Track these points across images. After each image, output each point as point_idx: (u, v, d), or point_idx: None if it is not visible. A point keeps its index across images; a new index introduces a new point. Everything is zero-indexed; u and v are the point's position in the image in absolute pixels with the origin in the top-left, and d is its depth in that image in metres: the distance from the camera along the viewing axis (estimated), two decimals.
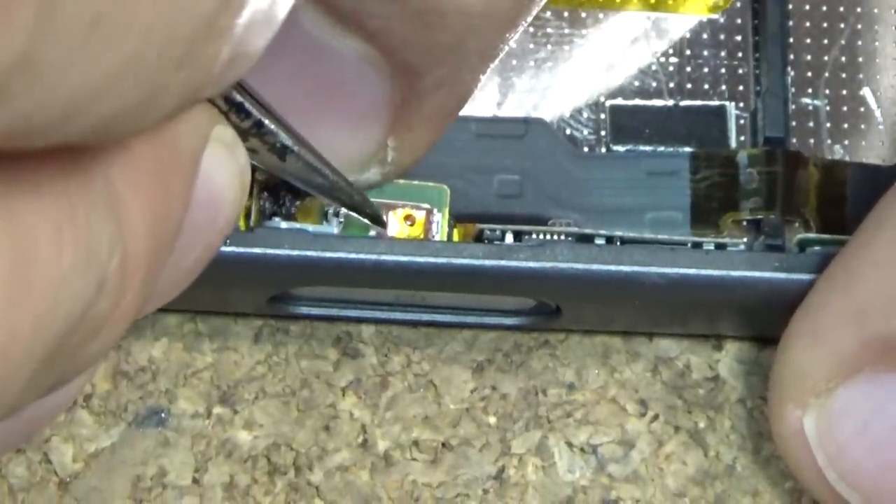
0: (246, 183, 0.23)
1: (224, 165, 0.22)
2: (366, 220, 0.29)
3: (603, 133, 0.32)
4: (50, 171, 0.17)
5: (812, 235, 0.30)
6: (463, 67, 0.26)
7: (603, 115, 0.32)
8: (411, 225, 0.30)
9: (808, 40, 0.32)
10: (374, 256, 0.29)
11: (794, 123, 0.32)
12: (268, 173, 0.28)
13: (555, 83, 0.32)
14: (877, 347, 0.28)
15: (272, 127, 0.24)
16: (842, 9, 0.32)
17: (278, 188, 0.30)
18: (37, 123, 0.16)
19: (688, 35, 0.32)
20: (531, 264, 0.29)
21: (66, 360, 0.19)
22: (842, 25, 0.32)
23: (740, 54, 0.32)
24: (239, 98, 0.23)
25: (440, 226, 0.30)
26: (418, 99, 0.27)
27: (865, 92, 0.32)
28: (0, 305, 0.17)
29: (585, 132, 0.32)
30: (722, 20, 0.32)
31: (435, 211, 0.30)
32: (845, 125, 0.32)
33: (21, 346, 0.17)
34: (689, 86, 0.32)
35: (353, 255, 0.29)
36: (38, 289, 0.17)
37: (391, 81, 0.26)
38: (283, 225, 0.29)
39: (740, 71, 0.32)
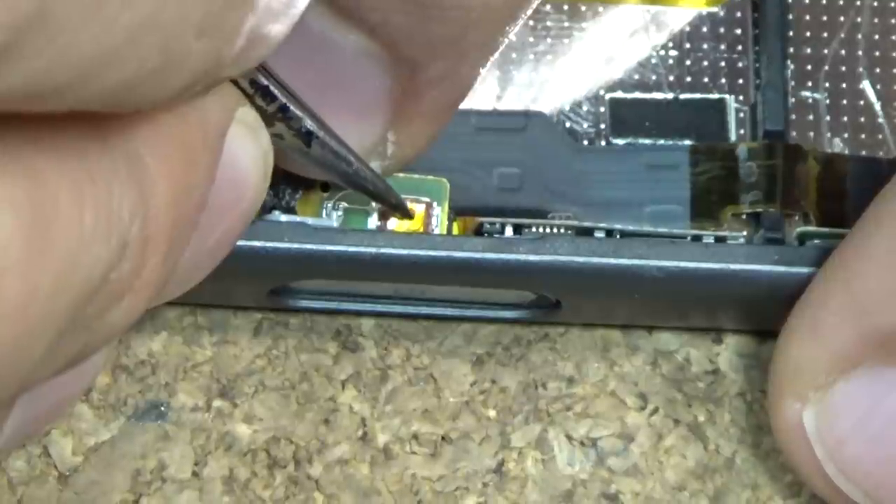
0: (269, 166, 0.23)
1: (248, 147, 0.22)
2: (393, 210, 0.29)
3: (603, 126, 0.32)
4: (72, 135, 0.17)
5: (812, 229, 0.30)
6: (463, 61, 0.26)
7: (603, 109, 0.32)
8: (411, 218, 0.30)
9: (808, 33, 0.32)
10: (373, 250, 0.29)
11: (793, 117, 0.32)
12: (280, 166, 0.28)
13: (554, 76, 0.32)
14: (876, 341, 0.28)
15: (297, 112, 0.24)
16: (841, 2, 0.32)
17: (278, 182, 0.30)
18: (52, 84, 0.16)
19: (687, 28, 0.32)
20: (531, 258, 0.29)
21: (87, 328, 0.19)
22: (841, 18, 0.32)
23: (740, 47, 0.32)
24: (265, 81, 0.23)
25: (440, 219, 0.30)
26: (419, 92, 0.27)
27: (865, 85, 0.32)
28: (20, 262, 0.17)
29: (585, 125, 0.32)
30: (721, 13, 0.32)
31: (434, 204, 0.30)
32: (845, 118, 0.32)
33: (41, 303, 0.17)
34: (688, 79, 0.32)
35: (352, 249, 0.29)
36: (57, 246, 0.17)
37: (392, 75, 0.26)
38: (283, 218, 0.29)
39: (740, 64, 0.32)
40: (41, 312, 0.17)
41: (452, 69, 0.26)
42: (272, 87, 0.23)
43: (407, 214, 0.30)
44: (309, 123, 0.25)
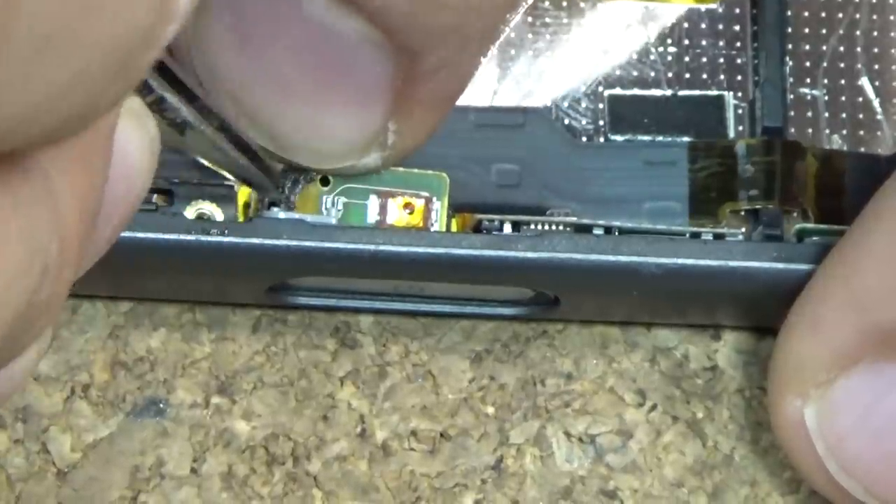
0: (156, 152, 0.23)
1: (135, 137, 0.22)
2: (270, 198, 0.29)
3: (601, 123, 0.32)
4: None
5: (810, 225, 0.30)
6: (463, 49, 0.26)
7: (601, 105, 0.32)
8: (410, 213, 0.30)
9: (807, 30, 0.32)
10: (372, 246, 0.29)
11: (792, 113, 0.32)
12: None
13: (553, 73, 0.32)
14: (876, 338, 0.28)
15: (173, 102, 0.24)
16: None
17: (279, 176, 0.30)
18: None
19: (686, 24, 0.32)
20: (529, 255, 0.29)
21: (11, 345, 0.19)
22: (840, 15, 0.32)
23: (739, 44, 0.32)
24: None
25: (439, 214, 0.30)
26: (419, 81, 0.27)
27: (863, 82, 0.32)
28: None
29: (584, 122, 0.32)
30: (720, 9, 0.32)
31: (434, 199, 0.30)
32: (843, 115, 0.32)
33: None
34: (687, 75, 0.32)
35: (351, 245, 0.29)
36: None
37: (392, 62, 0.26)
38: (282, 215, 0.29)
39: (739, 60, 0.32)
40: None
41: (453, 58, 0.26)
42: (150, 81, 0.23)
43: (277, 195, 0.29)
44: (186, 113, 0.25)
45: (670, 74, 0.32)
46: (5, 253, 0.17)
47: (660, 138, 0.32)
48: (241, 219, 0.29)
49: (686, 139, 0.32)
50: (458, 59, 0.26)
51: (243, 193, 0.30)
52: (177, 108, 0.24)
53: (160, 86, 0.23)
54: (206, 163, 0.27)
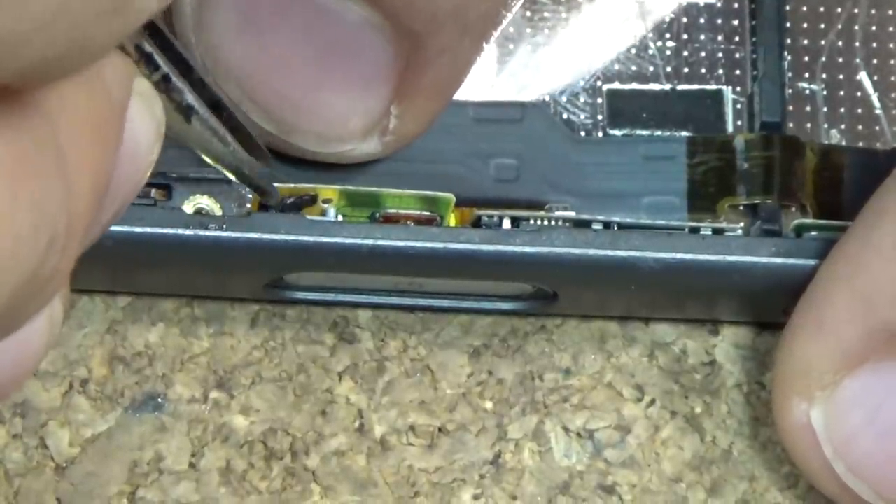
0: (161, 136, 0.22)
1: (144, 119, 0.22)
2: (262, 196, 0.29)
3: (600, 117, 0.32)
4: (5, 129, 0.17)
5: (809, 220, 0.30)
6: (464, 34, 0.26)
7: (600, 100, 0.32)
8: (278, 203, 0.30)
9: (805, 24, 0.32)
10: (370, 241, 0.29)
11: (790, 108, 0.32)
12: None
13: (551, 67, 0.32)
14: (883, 337, 0.28)
15: (179, 84, 0.24)
16: None
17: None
18: None
19: (685, 19, 0.32)
20: (528, 249, 0.29)
21: (13, 318, 0.19)
22: (839, 10, 0.32)
23: (737, 38, 0.32)
24: (149, 49, 0.23)
25: None
26: (422, 66, 0.27)
27: (862, 76, 0.32)
28: None
29: (582, 116, 0.32)
30: (719, 4, 0.32)
31: (439, 219, 0.30)
32: (842, 110, 0.32)
33: None
34: (686, 70, 0.32)
35: (349, 241, 0.29)
36: None
37: (395, 46, 0.27)
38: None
39: (737, 55, 0.32)
40: None
41: (454, 43, 0.26)
42: (156, 56, 0.23)
43: (276, 200, 0.29)
44: (189, 98, 0.24)
45: (669, 69, 0.32)
46: (14, 219, 0.17)
47: (658, 133, 0.32)
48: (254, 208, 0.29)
49: (685, 134, 0.32)
50: (459, 45, 0.26)
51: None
52: (182, 90, 0.24)
53: (166, 64, 0.23)
54: (206, 158, 0.27)
